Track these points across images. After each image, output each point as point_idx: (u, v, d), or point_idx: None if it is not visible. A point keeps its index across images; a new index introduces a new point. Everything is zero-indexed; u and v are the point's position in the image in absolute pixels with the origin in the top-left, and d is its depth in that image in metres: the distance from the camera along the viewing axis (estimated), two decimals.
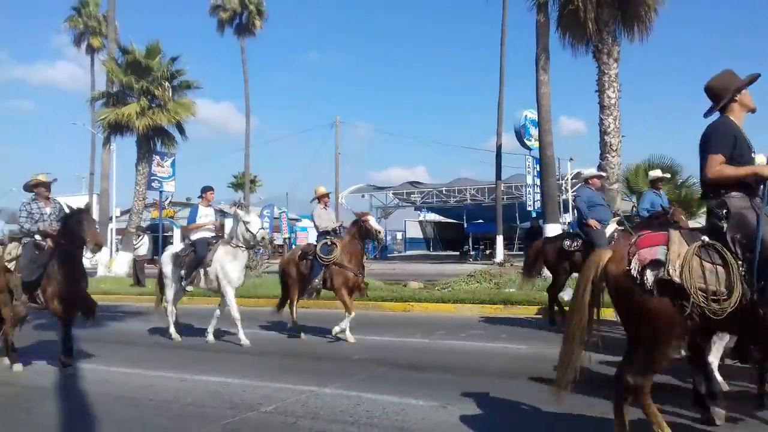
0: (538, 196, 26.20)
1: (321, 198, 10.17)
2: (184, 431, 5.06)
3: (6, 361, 7.66)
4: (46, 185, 8.00)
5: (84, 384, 6.91)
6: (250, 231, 9.17)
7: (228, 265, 9.24)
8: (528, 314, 11.93)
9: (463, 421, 5.11)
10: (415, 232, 56.82)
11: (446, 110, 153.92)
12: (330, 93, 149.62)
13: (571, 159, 37.97)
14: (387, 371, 7.28)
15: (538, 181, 24.47)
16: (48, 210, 7.86)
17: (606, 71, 16.23)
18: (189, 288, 9.67)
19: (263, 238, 9.37)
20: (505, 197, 33.87)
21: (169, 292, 10.00)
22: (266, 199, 53.29)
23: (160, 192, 27.50)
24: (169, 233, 36.15)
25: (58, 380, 7.20)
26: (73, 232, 7.32)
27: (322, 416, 5.37)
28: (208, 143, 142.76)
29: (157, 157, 25.88)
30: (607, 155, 16.20)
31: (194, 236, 9.81)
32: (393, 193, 44.78)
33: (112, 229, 29.56)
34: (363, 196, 45.36)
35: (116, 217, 32.32)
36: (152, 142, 25.01)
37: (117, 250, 27.76)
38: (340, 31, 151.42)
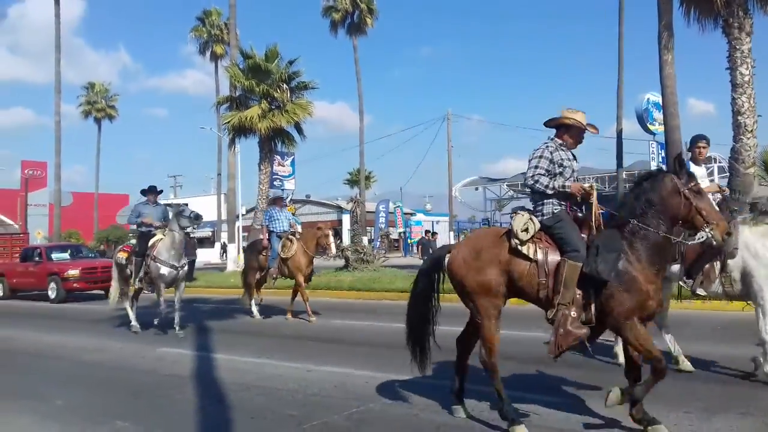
0: None
1: None
2: (309, 420, 5.23)
3: None
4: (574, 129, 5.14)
5: (218, 373, 7.36)
6: None
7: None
8: None
9: (580, 419, 4.96)
10: None
11: (562, 97, 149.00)
12: (442, 87, 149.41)
13: None
14: (512, 367, 7.15)
15: (663, 168, 23.22)
16: (576, 165, 5.19)
17: (737, 47, 15.06)
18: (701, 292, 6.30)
19: None
20: (627, 186, 32.30)
21: None
22: (381, 195, 54.27)
23: (282, 190, 28.66)
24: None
25: (194, 369, 7.70)
26: None
27: (443, 410, 5.37)
28: (325, 142, 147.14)
29: (278, 157, 27.01)
30: (742, 137, 15.06)
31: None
32: (507, 185, 44.00)
33: (239, 227, 31.17)
34: (476, 189, 44.97)
35: (242, 215, 34.08)
36: (273, 142, 26.03)
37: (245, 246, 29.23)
38: (450, 24, 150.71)
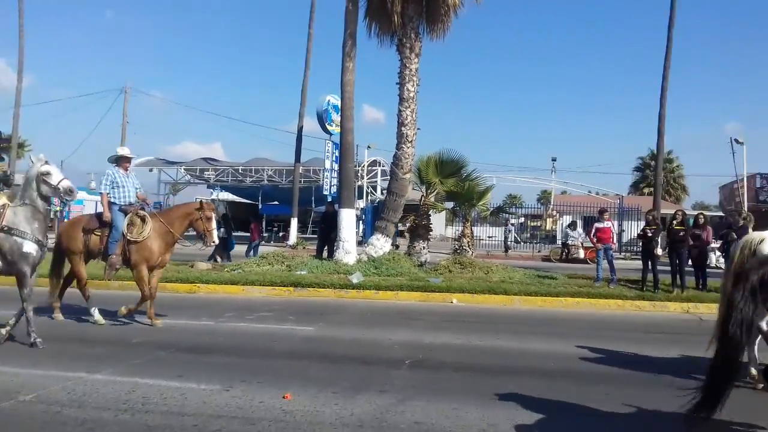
0: (335, 181, 26.65)
1: None
2: None
3: None
4: None
5: None
6: None
7: None
8: (319, 296, 12.10)
9: (245, 404, 5.02)
10: None
11: (248, 87, 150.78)
12: (126, 57, 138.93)
13: (369, 147, 39.41)
14: (167, 355, 6.92)
15: (336, 166, 24.89)
16: None
17: (407, 65, 16.87)
18: None
19: None
20: (302, 180, 33.99)
21: None
22: None
23: None
24: None
25: None
26: None
27: (90, 404, 4.96)
28: None
29: None
30: (403, 145, 16.89)
31: None
32: (185, 169, 42.50)
33: None
34: (151, 170, 42.46)
35: None
36: None
37: None
38: None
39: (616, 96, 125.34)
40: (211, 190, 45.46)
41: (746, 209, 28.38)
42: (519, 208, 42.53)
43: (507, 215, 31.99)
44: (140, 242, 8.60)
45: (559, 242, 33.58)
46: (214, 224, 9.03)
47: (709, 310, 11.14)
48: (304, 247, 21.27)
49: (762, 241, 5.54)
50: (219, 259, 18.20)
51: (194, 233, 9.35)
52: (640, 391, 5.73)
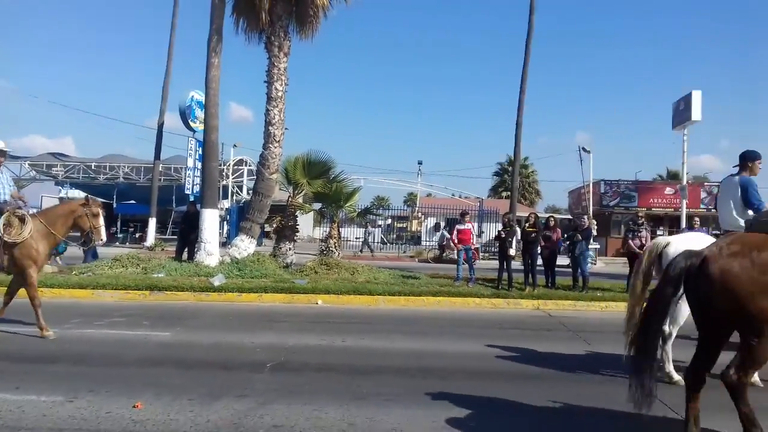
0: (198, 180, 25.72)
1: None
2: None
3: None
4: None
5: None
6: None
7: None
8: (177, 300, 11.58)
9: (91, 415, 4.69)
10: None
11: (103, 79, 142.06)
12: None
13: (235, 145, 38.42)
14: (3, 366, 6.29)
15: (199, 165, 24.02)
16: None
17: (276, 64, 16.62)
18: None
19: None
20: (162, 178, 32.49)
21: None
22: None
23: None
24: None
25: None
26: None
27: None
28: None
29: None
30: (270, 145, 16.62)
31: None
32: (29, 164, 39.18)
33: None
34: None
35: None
36: None
37: None
38: None
39: (480, 102, 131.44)
40: (60, 187, 42.24)
41: (591, 213, 30.88)
42: (386, 209, 43.32)
43: (372, 216, 32.48)
44: (21, 243, 7.75)
45: (425, 244, 34.70)
46: (101, 221, 8.27)
47: (557, 307, 11.98)
48: (162, 249, 20.31)
49: (668, 244, 5.98)
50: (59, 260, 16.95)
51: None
52: (497, 383, 6.01)
